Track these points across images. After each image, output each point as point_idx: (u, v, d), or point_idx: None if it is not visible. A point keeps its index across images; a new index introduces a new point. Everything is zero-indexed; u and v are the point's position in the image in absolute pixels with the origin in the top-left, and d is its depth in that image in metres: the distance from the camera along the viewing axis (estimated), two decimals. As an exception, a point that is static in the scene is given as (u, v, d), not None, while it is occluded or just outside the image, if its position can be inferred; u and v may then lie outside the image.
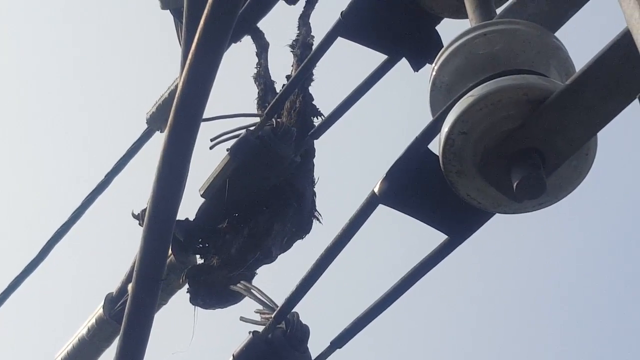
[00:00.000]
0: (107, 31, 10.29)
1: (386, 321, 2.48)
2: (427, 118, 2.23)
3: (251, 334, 2.64)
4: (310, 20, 3.35)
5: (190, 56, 2.40)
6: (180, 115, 2.44)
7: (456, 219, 2.24)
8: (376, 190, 2.27)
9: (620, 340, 9.31)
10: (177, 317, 3.33)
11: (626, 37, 1.84)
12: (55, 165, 10.24)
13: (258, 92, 3.36)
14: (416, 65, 2.70)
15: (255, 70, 3.42)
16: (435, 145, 2.16)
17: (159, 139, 3.34)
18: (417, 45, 2.68)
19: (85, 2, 10.22)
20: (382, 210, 2.30)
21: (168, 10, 3.76)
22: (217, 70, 2.42)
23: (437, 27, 2.69)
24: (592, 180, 2.15)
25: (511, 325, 9.69)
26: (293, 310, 2.63)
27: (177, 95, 2.47)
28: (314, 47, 3.09)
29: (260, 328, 2.64)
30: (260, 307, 2.71)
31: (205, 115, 2.60)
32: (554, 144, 2.04)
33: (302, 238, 3.10)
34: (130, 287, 2.58)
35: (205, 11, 2.33)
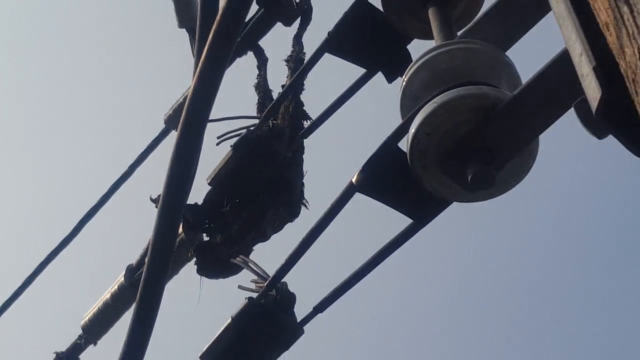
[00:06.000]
0: (136, 47, 10.31)
1: (361, 291, 2.48)
2: (398, 121, 2.23)
3: (247, 299, 2.64)
4: (302, 39, 3.35)
5: (198, 69, 2.39)
6: (190, 117, 2.44)
7: (420, 206, 2.24)
8: (354, 180, 2.27)
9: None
10: (186, 285, 3.32)
11: (564, 55, 1.84)
12: (91, 157, 10.24)
13: (258, 99, 3.34)
14: (390, 78, 2.70)
15: (256, 80, 3.42)
16: (404, 144, 2.16)
17: (174, 137, 3.32)
18: (391, 61, 2.68)
19: (120, 23, 10.24)
20: (358, 197, 2.30)
21: (184, 29, 3.76)
22: (221, 80, 2.41)
23: (408, 46, 2.69)
24: (534, 175, 2.15)
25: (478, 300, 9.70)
26: (282, 280, 2.63)
27: (187, 100, 2.46)
28: (305, 62, 3.09)
29: (255, 295, 2.64)
30: (255, 277, 2.71)
31: (212, 117, 2.59)
32: (503, 144, 2.04)
33: (292, 221, 3.09)
34: (147, 259, 2.57)
35: (212, 33, 2.32)
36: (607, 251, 9.26)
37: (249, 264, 2.83)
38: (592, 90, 1.29)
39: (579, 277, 9.35)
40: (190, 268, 3.13)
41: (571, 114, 1.90)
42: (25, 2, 10.54)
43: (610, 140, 1.40)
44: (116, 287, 3.67)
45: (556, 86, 1.94)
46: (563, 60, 1.86)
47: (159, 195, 2.77)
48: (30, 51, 10.73)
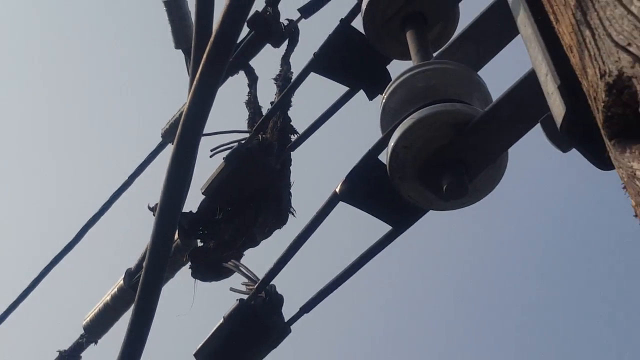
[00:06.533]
0: (135, 66, 10.31)
1: (344, 293, 2.47)
2: (378, 135, 2.23)
3: (238, 300, 2.63)
4: (289, 60, 3.35)
5: (193, 87, 2.39)
6: (186, 131, 2.43)
7: (398, 214, 2.24)
8: (337, 190, 2.27)
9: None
10: (181, 288, 3.31)
11: (532, 75, 1.85)
12: (93, 168, 10.23)
13: (249, 114, 3.34)
14: (370, 95, 2.70)
15: (247, 97, 3.41)
16: (384, 156, 2.16)
17: (171, 149, 3.32)
18: (372, 80, 2.69)
19: (124, 47, 10.28)
20: (341, 206, 2.30)
21: (180, 50, 3.76)
22: (214, 97, 2.40)
23: (387, 66, 2.70)
24: (504, 185, 2.16)
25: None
26: (271, 283, 2.62)
27: (183, 116, 2.45)
28: (292, 80, 3.09)
29: (245, 296, 2.63)
30: (246, 280, 2.71)
31: (206, 131, 2.58)
32: (475, 156, 2.04)
33: (280, 228, 3.09)
34: (144, 263, 2.56)
35: (205, 53, 2.32)
36: (568, 250, 9.30)
37: (240, 267, 2.82)
38: (557, 107, 1.30)
39: (545, 281, 9.36)
40: (185, 272, 3.12)
41: (538, 129, 1.90)
42: (30, 23, 10.54)
43: (574, 153, 1.40)
44: (116, 289, 3.65)
45: (524, 103, 1.95)
46: (530, 80, 1.87)
47: (157, 204, 2.77)
48: (38, 67, 10.72)
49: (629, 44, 0.96)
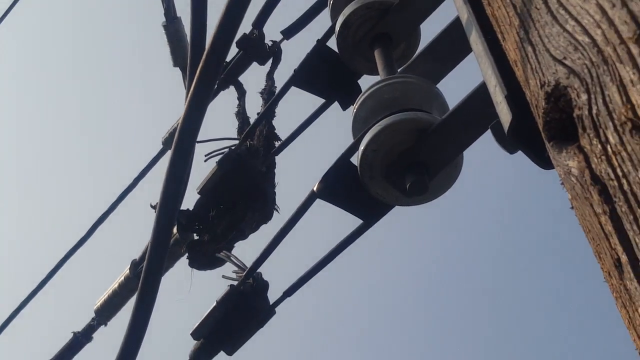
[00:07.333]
0: (139, 83, 10.28)
1: (322, 279, 2.47)
2: (350, 140, 2.23)
3: (229, 286, 2.62)
4: (273, 76, 3.33)
5: (188, 100, 2.37)
6: (182, 139, 2.41)
7: (368, 209, 2.24)
8: (315, 189, 2.26)
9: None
10: (179, 276, 3.29)
11: (482, 86, 1.85)
12: (104, 172, 10.18)
13: (238, 124, 3.32)
14: (344, 106, 2.70)
15: (236, 109, 3.39)
16: (356, 159, 2.16)
17: (170, 155, 3.29)
18: (344, 92, 2.68)
19: (132, 67, 10.26)
20: (319, 202, 2.29)
21: (178, 68, 3.74)
22: (206, 109, 2.38)
23: (358, 81, 2.70)
24: (460, 184, 2.15)
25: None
26: (258, 271, 2.61)
27: (179, 125, 2.43)
28: (275, 93, 3.08)
29: (235, 283, 2.62)
30: (236, 268, 2.69)
31: (200, 139, 2.56)
32: (434, 158, 2.04)
33: (266, 223, 3.07)
34: (147, 255, 2.53)
35: (198, 71, 2.30)
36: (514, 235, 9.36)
37: (231, 257, 2.81)
38: (505, 115, 1.30)
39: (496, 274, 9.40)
40: (183, 262, 3.10)
41: (488, 133, 1.90)
42: (40, 41, 10.50)
43: (519, 154, 1.40)
44: (122, 278, 3.63)
45: (476, 111, 1.95)
46: (481, 91, 1.87)
47: (157, 203, 2.75)
48: (59, 79, 10.67)
49: (565, 58, 0.96)
